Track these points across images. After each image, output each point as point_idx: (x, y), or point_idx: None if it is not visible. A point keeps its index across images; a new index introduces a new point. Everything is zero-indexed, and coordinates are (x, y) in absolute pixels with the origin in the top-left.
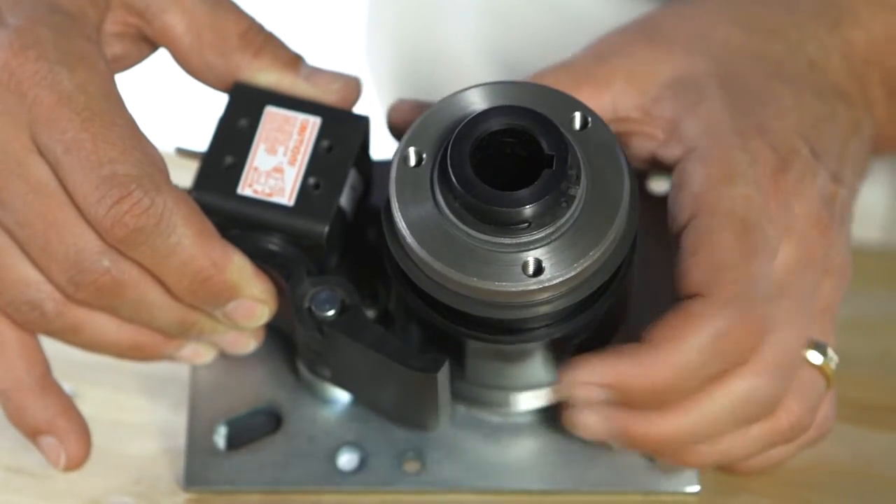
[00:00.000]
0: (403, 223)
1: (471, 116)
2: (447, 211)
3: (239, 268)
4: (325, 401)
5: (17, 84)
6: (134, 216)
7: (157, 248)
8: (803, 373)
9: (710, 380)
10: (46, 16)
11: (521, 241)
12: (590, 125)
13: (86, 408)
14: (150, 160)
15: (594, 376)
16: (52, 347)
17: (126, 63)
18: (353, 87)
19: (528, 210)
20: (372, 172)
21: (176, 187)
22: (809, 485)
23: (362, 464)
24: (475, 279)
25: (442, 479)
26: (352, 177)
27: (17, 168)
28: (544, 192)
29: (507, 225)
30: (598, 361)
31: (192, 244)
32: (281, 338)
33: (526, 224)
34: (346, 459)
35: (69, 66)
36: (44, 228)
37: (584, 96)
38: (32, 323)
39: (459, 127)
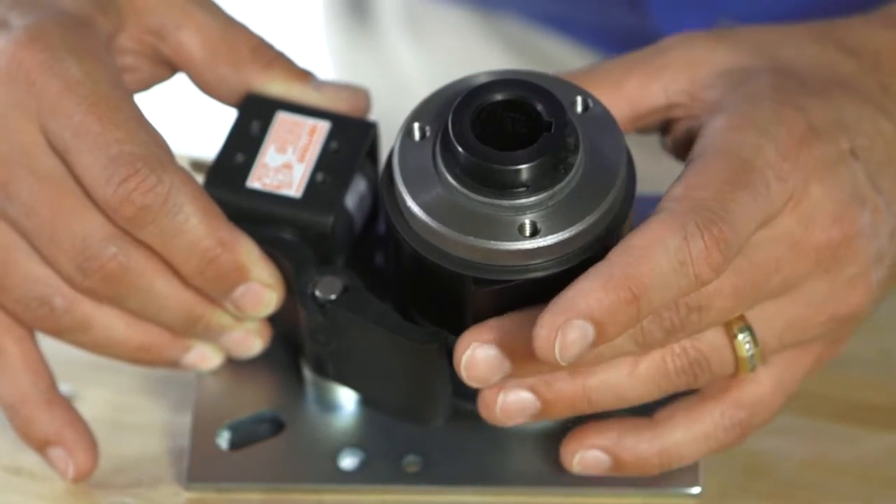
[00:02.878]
0: (404, 188)
1: (473, 87)
2: (448, 176)
3: (246, 249)
4: (328, 406)
5: (26, 74)
6: (141, 193)
7: (164, 227)
8: (717, 339)
9: (676, 296)
10: (55, 16)
11: (519, 203)
12: (590, 108)
13: (86, 408)
14: (156, 141)
15: (568, 312)
16: (52, 347)
17: (142, 79)
18: (362, 96)
19: (526, 172)
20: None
21: (182, 169)
22: (810, 485)
23: (363, 464)
24: (471, 238)
25: (442, 479)
26: (360, 185)
27: (24, 159)
28: (541, 154)
29: (506, 187)
30: (567, 294)
31: (200, 223)
32: (285, 346)
33: (524, 188)
34: (348, 459)
35: (76, 56)
36: (51, 217)
37: (634, 83)
38: (41, 320)
39: (461, 97)
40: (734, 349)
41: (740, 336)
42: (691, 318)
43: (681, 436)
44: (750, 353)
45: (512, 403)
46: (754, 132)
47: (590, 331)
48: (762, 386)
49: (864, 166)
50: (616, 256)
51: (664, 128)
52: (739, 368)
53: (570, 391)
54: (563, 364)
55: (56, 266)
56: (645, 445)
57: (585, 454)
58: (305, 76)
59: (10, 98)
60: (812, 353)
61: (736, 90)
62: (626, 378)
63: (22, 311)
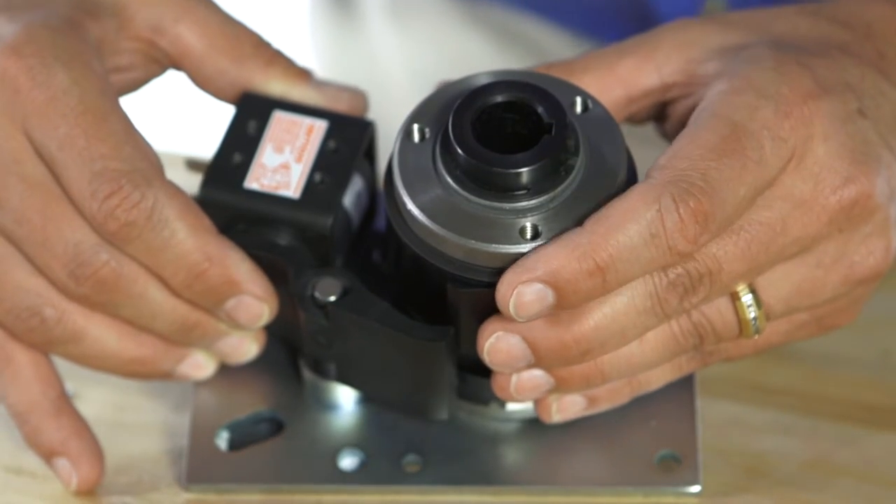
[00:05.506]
0: (404, 190)
1: (473, 89)
2: (448, 179)
3: (235, 263)
4: (327, 406)
5: (12, 81)
6: (124, 210)
7: (149, 243)
8: (720, 301)
9: (649, 268)
10: (44, 21)
11: (520, 206)
12: (590, 109)
13: (86, 408)
14: (143, 156)
15: (530, 272)
16: None
17: (135, 78)
18: (360, 97)
19: (526, 174)
20: (377, 192)
21: (170, 183)
22: (810, 485)
23: (363, 464)
24: (473, 241)
25: (442, 479)
26: (357, 183)
27: (13, 166)
28: (542, 156)
29: (507, 190)
30: (533, 256)
31: (186, 238)
32: (283, 346)
33: (524, 190)
34: (347, 460)
35: (64, 62)
36: (42, 223)
37: (628, 65)
38: (33, 332)
39: (461, 99)
40: (737, 311)
41: (744, 298)
42: (703, 282)
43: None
44: (753, 315)
45: (526, 382)
46: (752, 93)
47: (549, 295)
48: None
49: (873, 125)
50: (589, 225)
51: (660, 115)
52: (743, 331)
53: (583, 367)
54: (519, 320)
55: (48, 273)
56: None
57: (562, 400)
58: (305, 75)
59: None
60: (809, 313)
61: (735, 58)
62: (636, 347)
63: (13, 322)
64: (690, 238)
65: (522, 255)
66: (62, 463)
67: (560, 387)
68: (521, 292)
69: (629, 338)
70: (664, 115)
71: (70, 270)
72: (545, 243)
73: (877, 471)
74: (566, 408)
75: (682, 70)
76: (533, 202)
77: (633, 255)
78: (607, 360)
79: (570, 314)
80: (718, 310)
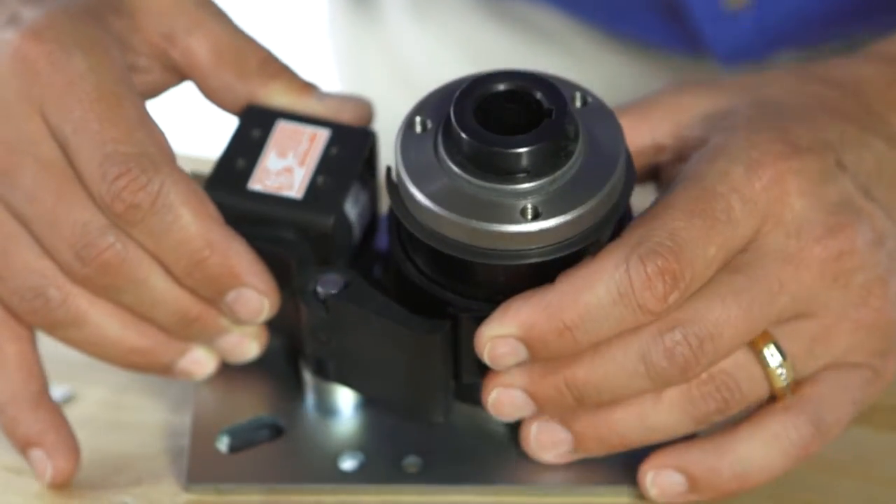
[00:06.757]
0: (407, 177)
1: (474, 79)
2: (450, 163)
3: (237, 254)
4: (328, 411)
5: (31, 64)
6: (131, 192)
7: (153, 226)
8: (741, 358)
9: (621, 327)
10: (64, 7)
11: (521, 188)
12: (589, 103)
13: (86, 408)
14: (154, 141)
15: (503, 327)
16: (52, 347)
17: (153, 82)
18: (364, 107)
19: (526, 156)
20: (378, 202)
21: (179, 170)
22: (810, 485)
23: (363, 465)
24: (474, 221)
25: (443, 479)
26: (359, 194)
27: (29, 147)
28: (542, 138)
29: (508, 173)
30: (507, 309)
31: (189, 224)
32: (284, 352)
33: (525, 173)
34: (347, 461)
35: (83, 48)
36: (53, 203)
37: (624, 124)
38: (36, 312)
39: (462, 87)
40: (762, 365)
41: (766, 350)
42: (705, 348)
43: (748, 445)
44: (778, 364)
45: (544, 435)
46: (723, 159)
47: (521, 349)
48: (822, 385)
49: (852, 178)
50: (560, 283)
51: (655, 176)
52: (774, 385)
53: (595, 426)
54: (499, 369)
55: (55, 254)
56: (713, 458)
57: (659, 474)
58: (309, 88)
59: (16, 86)
60: (866, 367)
61: (716, 126)
62: (651, 408)
63: (18, 302)
64: (659, 296)
65: (524, 234)
66: (38, 454)
67: (579, 448)
68: (495, 345)
69: (619, 396)
70: (658, 178)
71: (76, 251)
72: (518, 297)
73: (877, 471)
74: (663, 483)
75: (672, 133)
76: (533, 184)
77: (602, 314)
78: (619, 419)
79: (564, 362)
80: (740, 366)
